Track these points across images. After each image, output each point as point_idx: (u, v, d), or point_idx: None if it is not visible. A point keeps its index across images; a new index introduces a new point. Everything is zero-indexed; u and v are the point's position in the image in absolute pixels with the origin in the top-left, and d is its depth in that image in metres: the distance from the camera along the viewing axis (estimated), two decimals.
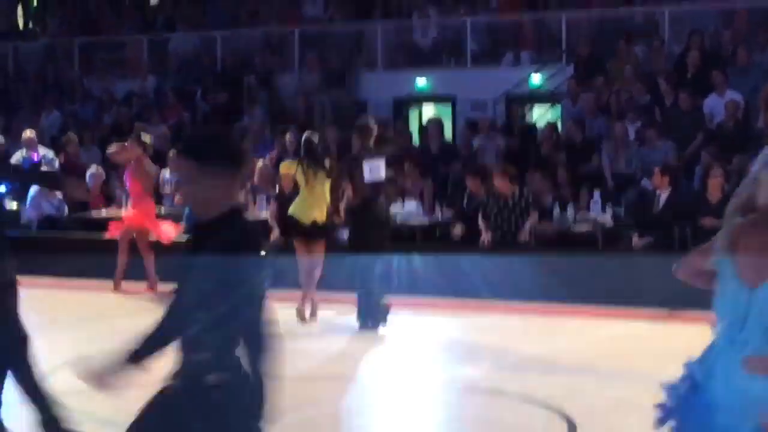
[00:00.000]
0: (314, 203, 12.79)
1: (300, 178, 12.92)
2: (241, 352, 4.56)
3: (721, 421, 4.35)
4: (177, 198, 17.06)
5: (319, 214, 12.80)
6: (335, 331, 12.53)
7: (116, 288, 14.96)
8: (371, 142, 12.58)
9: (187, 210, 16.55)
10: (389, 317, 12.42)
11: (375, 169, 12.33)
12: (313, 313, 12.89)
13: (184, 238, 16.13)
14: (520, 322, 13.04)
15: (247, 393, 4.55)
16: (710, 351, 4.50)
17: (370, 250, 12.30)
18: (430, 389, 9.82)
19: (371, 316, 12.39)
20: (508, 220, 14.74)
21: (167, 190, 17.77)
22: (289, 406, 8.93)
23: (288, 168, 13.67)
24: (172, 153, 18.21)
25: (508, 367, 10.47)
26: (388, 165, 12.58)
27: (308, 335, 12.36)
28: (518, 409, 8.92)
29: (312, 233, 12.81)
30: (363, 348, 11.56)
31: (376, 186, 12.40)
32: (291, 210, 12.96)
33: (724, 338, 4.46)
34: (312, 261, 12.81)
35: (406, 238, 15.75)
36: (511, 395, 9.26)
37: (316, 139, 13.07)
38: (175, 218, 16.85)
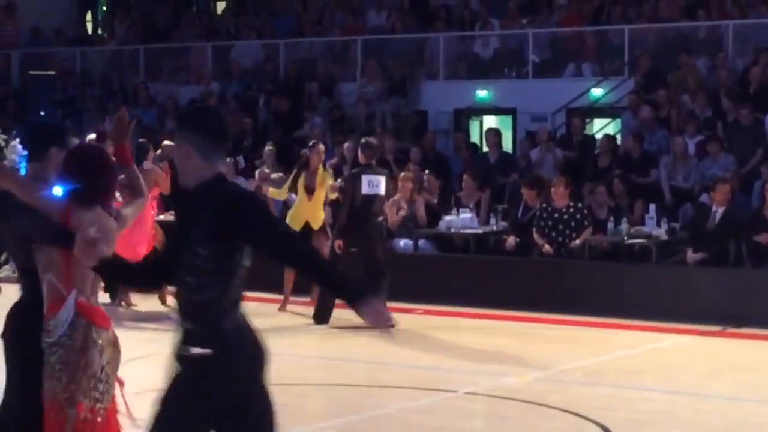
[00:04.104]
0: (309, 210, 13.92)
1: (302, 187, 13.99)
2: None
3: None
4: None
5: (314, 221, 13.97)
6: (373, 337, 12.61)
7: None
8: (374, 160, 13.55)
9: None
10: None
11: (374, 184, 13.22)
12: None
13: None
14: (567, 333, 13.04)
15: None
16: None
17: (358, 259, 13.14)
18: (470, 398, 9.87)
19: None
20: (563, 233, 14.74)
21: None
22: (331, 413, 9.08)
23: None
24: (230, 161, 18.43)
25: (551, 378, 10.50)
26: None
27: (345, 341, 12.48)
28: (558, 419, 8.94)
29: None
30: (402, 356, 11.62)
31: (371, 199, 13.27)
32: (288, 219, 13.96)
33: None
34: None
35: (460, 248, 15.84)
36: (552, 405, 9.29)
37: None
38: None
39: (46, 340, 5.59)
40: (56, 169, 5.81)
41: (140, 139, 16.78)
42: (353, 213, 13.23)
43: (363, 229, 13.19)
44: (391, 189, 13.61)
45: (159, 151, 16.22)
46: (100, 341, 5.62)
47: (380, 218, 13.82)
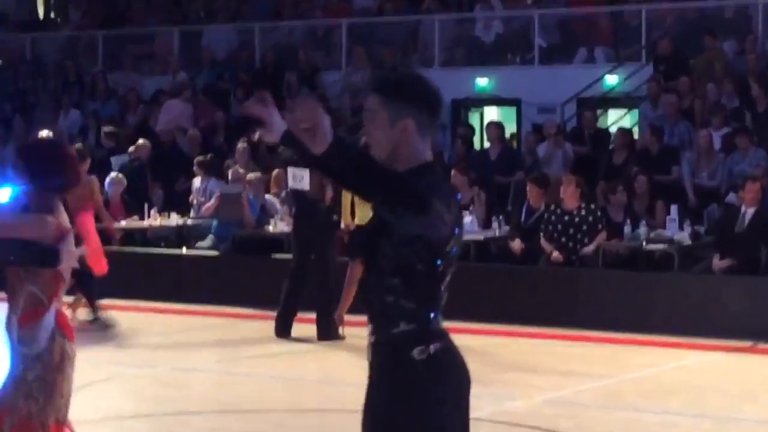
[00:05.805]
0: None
1: None
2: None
3: None
4: (204, 209, 17.25)
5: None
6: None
7: None
8: None
9: (215, 223, 16.69)
10: None
11: (298, 178, 13.14)
12: None
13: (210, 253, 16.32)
14: (580, 351, 13.01)
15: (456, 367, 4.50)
16: None
17: (305, 259, 13.27)
18: (472, 425, 9.79)
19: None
20: (573, 237, 14.69)
21: (195, 200, 17.89)
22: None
23: None
24: (197, 161, 18.30)
25: (562, 401, 10.46)
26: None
27: (339, 362, 12.45)
28: None
29: None
30: None
31: (299, 196, 13.32)
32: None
33: None
34: None
35: (459, 255, 15.75)
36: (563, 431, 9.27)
37: None
38: (201, 231, 17.03)
39: (22, 351, 5.56)
40: None
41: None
42: (296, 213, 13.42)
43: (302, 232, 13.25)
44: (314, 185, 13.15)
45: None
46: (72, 356, 5.67)
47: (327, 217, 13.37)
